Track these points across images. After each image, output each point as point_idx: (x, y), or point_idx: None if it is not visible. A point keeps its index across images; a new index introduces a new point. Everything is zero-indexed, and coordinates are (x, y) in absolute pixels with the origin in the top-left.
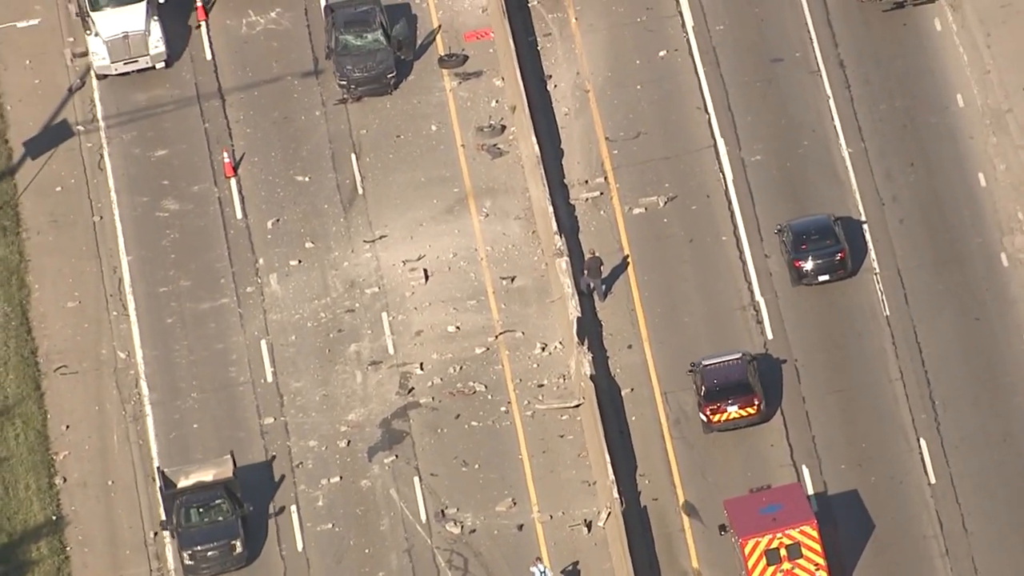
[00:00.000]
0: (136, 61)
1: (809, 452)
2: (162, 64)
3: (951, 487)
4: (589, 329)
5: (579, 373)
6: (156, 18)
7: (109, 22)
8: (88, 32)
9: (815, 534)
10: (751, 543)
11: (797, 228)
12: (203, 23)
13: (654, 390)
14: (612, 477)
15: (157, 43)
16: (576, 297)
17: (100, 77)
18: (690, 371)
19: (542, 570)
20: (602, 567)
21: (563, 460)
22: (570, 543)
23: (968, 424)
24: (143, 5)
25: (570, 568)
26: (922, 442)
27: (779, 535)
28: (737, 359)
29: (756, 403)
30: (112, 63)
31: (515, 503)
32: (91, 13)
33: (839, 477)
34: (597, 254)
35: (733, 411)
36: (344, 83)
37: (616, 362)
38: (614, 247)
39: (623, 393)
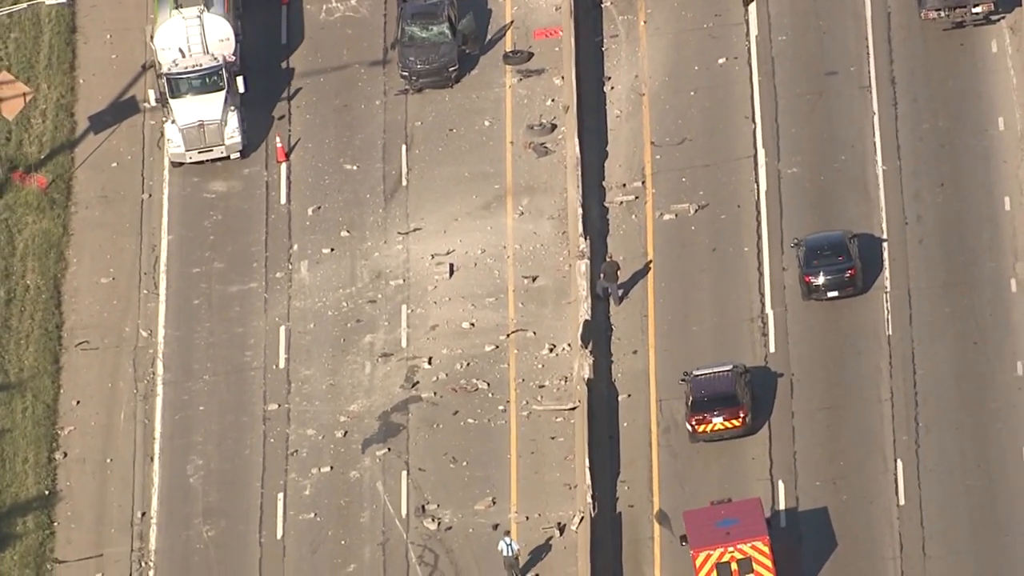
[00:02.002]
0: (211, 150)
1: (788, 467)
2: (237, 155)
3: (919, 510)
4: (598, 333)
5: (578, 376)
6: (234, 108)
7: (186, 110)
8: (165, 119)
9: (767, 550)
10: (703, 555)
11: (811, 243)
12: (284, 6)
13: (650, 397)
14: (588, 482)
15: (233, 133)
16: (589, 300)
17: (175, 165)
18: (682, 380)
19: (508, 543)
20: (567, 571)
21: (549, 462)
22: (540, 545)
23: (947, 448)
24: (222, 94)
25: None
26: (899, 463)
27: (731, 549)
28: (727, 371)
29: (742, 415)
30: (187, 151)
31: (495, 502)
32: (170, 100)
33: (812, 493)
34: (615, 258)
35: (718, 422)
36: (406, 74)
37: (619, 367)
38: (640, 252)
39: (620, 398)
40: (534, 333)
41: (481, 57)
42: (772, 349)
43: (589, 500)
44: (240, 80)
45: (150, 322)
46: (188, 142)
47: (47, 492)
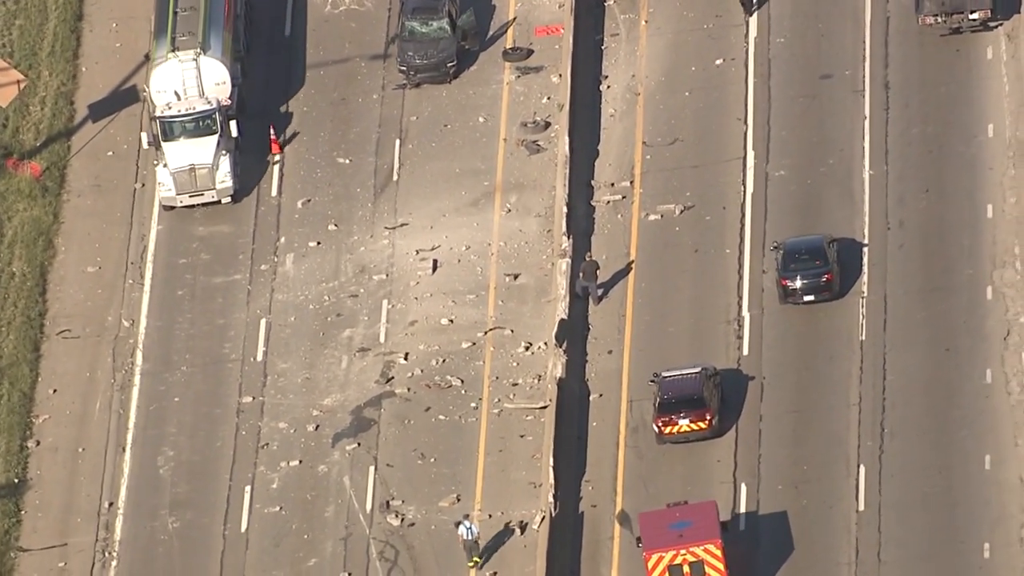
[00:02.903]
0: (202, 194)
1: (752, 470)
2: (228, 199)
3: (877, 516)
4: (575, 332)
5: (551, 375)
6: (227, 152)
7: (178, 153)
8: (157, 162)
9: (719, 553)
10: (655, 557)
11: (790, 247)
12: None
13: (622, 397)
14: (551, 481)
15: (224, 177)
16: (567, 299)
17: (166, 208)
18: (651, 382)
19: (468, 526)
20: (524, 570)
21: (517, 460)
22: (500, 543)
23: (910, 454)
24: (215, 138)
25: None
26: (861, 469)
27: (683, 552)
28: (695, 373)
29: (708, 418)
30: (177, 195)
31: (459, 499)
32: (163, 143)
33: (773, 497)
34: (595, 258)
35: (684, 424)
36: (404, 69)
37: (593, 366)
38: (623, 252)
39: (592, 398)
40: (512, 331)
41: (481, 53)
42: (746, 352)
43: (551, 499)
44: (234, 124)
45: (133, 312)
46: (179, 186)
47: (16, 480)
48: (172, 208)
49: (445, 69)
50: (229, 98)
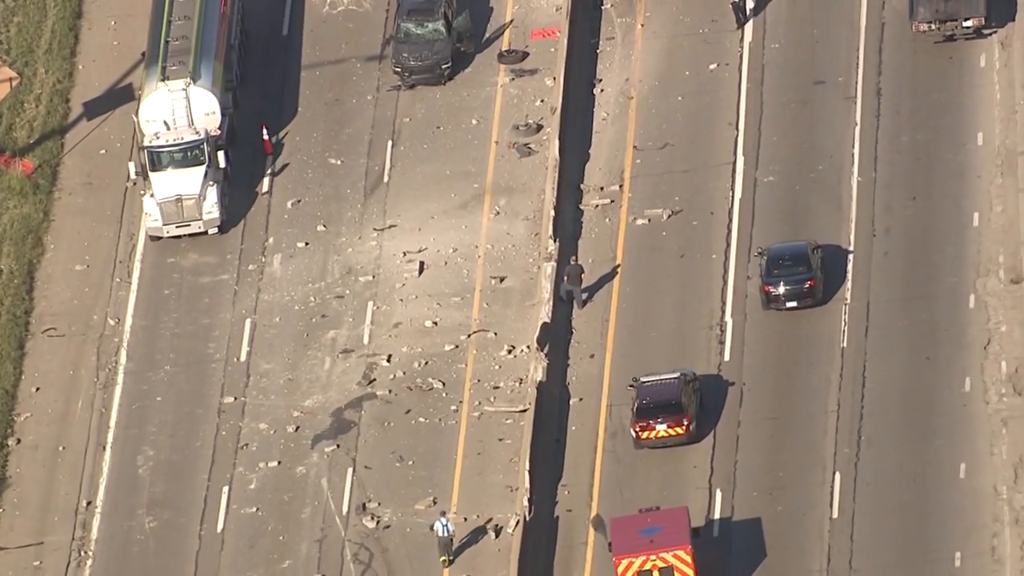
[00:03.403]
0: (188, 225)
1: (728, 476)
2: (215, 230)
3: (850, 524)
4: (558, 336)
5: (531, 378)
6: (214, 183)
7: (165, 184)
8: (144, 193)
9: (689, 559)
10: (624, 563)
11: (773, 253)
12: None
13: (602, 402)
14: (527, 485)
15: (211, 208)
16: (551, 302)
17: (153, 239)
18: (630, 386)
19: (444, 523)
20: (497, 574)
21: (494, 464)
22: (475, 547)
23: (886, 462)
24: (202, 168)
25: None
26: (836, 476)
27: (652, 557)
28: (674, 378)
29: (685, 423)
30: (164, 226)
31: (435, 502)
32: (150, 173)
33: (748, 503)
34: (581, 262)
35: (662, 429)
36: (399, 70)
37: (575, 370)
38: (609, 256)
39: (572, 402)
40: (495, 334)
41: (477, 55)
42: (727, 357)
43: (525, 503)
44: (222, 155)
45: (119, 310)
46: (166, 216)
47: None
48: (158, 239)
49: (439, 71)
50: (219, 128)
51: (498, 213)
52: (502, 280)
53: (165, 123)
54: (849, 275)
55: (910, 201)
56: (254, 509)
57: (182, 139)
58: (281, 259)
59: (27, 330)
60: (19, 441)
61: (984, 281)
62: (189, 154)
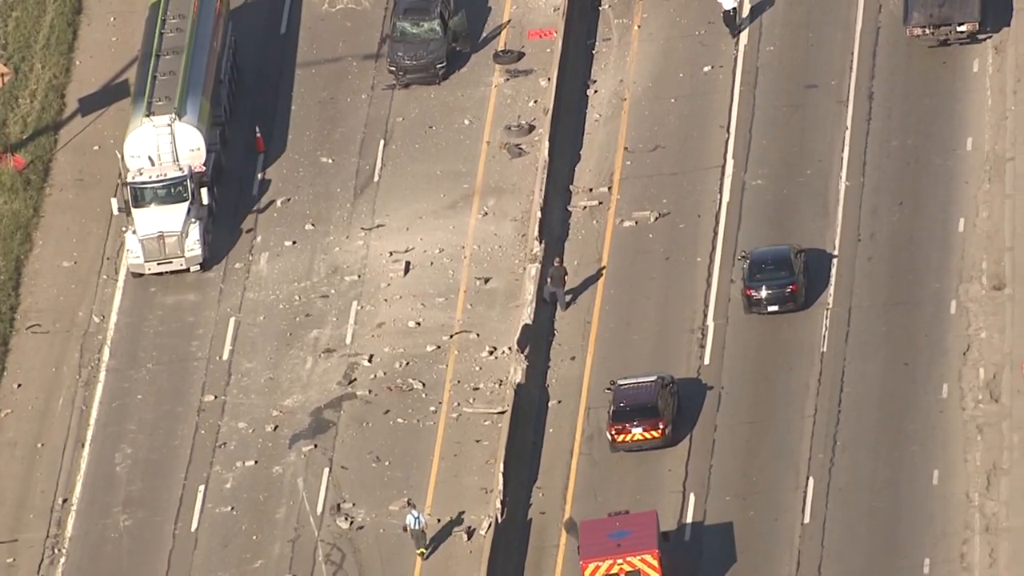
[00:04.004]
0: (170, 262)
1: (702, 480)
2: (197, 267)
3: (821, 529)
4: (540, 337)
5: (511, 380)
6: (197, 220)
7: (147, 220)
8: (126, 229)
9: (656, 563)
10: (591, 567)
11: (756, 257)
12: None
13: (580, 404)
14: (500, 487)
15: (193, 245)
16: (533, 304)
17: (134, 275)
18: (607, 389)
19: (416, 515)
20: None
21: (470, 465)
22: (447, 548)
23: (860, 468)
24: (184, 205)
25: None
26: (810, 481)
27: (619, 561)
28: (651, 382)
29: (661, 427)
30: (145, 262)
31: (410, 503)
32: (133, 210)
33: (721, 508)
34: (565, 263)
35: (637, 433)
36: (393, 69)
37: (555, 372)
38: (595, 258)
39: (550, 404)
40: (477, 335)
41: (473, 55)
42: (707, 361)
43: (498, 505)
44: (204, 192)
45: (104, 308)
46: (147, 253)
47: None
48: (140, 275)
49: (434, 70)
50: (204, 164)
51: (486, 214)
52: (487, 281)
53: (150, 158)
54: (832, 280)
55: (897, 206)
56: (229, 508)
57: (165, 175)
58: (268, 257)
59: (11, 326)
60: None
61: (967, 287)
62: (172, 191)
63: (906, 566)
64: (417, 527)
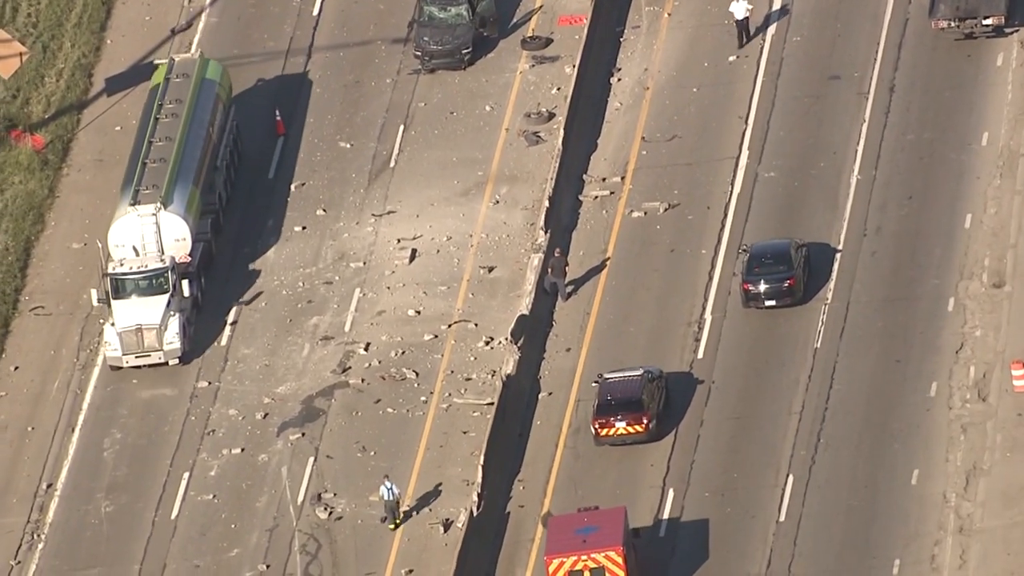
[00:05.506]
0: (148, 356)
1: (682, 476)
2: (176, 361)
3: (796, 527)
4: (537, 328)
5: (502, 371)
6: (176, 312)
7: (126, 312)
8: (103, 321)
9: (620, 560)
10: (555, 563)
11: (755, 250)
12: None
13: (571, 397)
14: (479, 479)
15: (172, 339)
16: (532, 295)
17: (113, 368)
18: (595, 383)
19: (389, 487)
20: (441, 568)
21: (455, 457)
22: (422, 541)
23: (840, 466)
24: (164, 298)
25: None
26: (789, 479)
27: (584, 558)
28: (636, 375)
29: (645, 421)
30: (123, 355)
31: (385, 477)
32: (112, 301)
33: (699, 504)
34: (570, 254)
35: (621, 427)
36: (419, 54)
37: (549, 364)
38: (601, 248)
39: (540, 396)
40: (476, 325)
41: (502, 40)
42: (700, 355)
43: (475, 498)
44: (186, 283)
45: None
46: (125, 346)
47: None
48: (119, 368)
49: (460, 56)
50: (189, 255)
51: (497, 202)
52: (491, 270)
53: (134, 248)
54: (834, 274)
55: (906, 200)
56: (211, 496)
57: (146, 266)
58: (277, 243)
59: (15, 308)
60: None
61: (966, 284)
62: (153, 282)
63: (876, 565)
64: (391, 498)
